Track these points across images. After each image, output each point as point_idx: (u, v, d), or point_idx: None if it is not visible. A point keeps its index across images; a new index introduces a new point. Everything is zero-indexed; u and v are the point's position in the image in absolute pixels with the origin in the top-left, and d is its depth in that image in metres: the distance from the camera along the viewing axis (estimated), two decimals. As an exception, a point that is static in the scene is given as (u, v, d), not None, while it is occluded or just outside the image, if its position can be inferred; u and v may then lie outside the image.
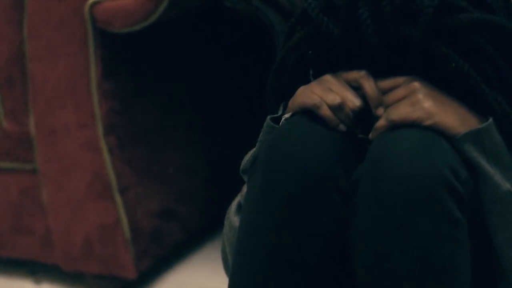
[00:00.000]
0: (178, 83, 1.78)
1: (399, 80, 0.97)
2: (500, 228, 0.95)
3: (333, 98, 0.97)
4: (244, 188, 1.05)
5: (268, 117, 1.04)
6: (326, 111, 0.97)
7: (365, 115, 0.99)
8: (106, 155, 1.60)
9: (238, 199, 1.09)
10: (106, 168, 1.60)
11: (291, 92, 1.03)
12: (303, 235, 0.95)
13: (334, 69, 1.01)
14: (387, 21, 0.95)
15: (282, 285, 0.96)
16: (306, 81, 1.04)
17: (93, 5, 1.53)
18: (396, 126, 0.95)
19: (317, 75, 1.02)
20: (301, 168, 0.95)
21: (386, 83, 0.98)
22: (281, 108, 1.06)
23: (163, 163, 1.73)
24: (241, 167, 1.05)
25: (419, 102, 0.95)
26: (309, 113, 0.99)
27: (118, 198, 1.61)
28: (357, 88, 0.99)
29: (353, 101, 0.98)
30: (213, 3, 1.58)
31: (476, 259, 0.95)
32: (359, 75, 0.98)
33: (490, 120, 0.96)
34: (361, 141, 1.00)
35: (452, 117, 0.95)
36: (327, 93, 0.98)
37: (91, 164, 1.61)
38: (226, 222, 1.11)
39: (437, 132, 0.94)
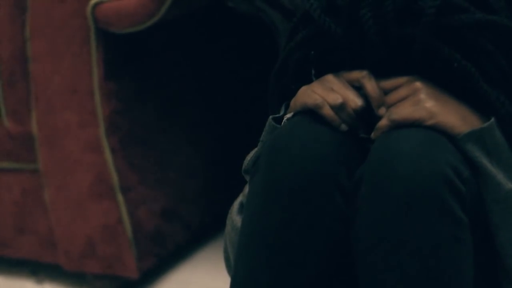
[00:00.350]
0: (181, 84, 1.78)
1: (401, 80, 0.98)
2: (502, 228, 0.96)
3: (335, 98, 0.97)
4: (246, 188, 1.05)
5: (270, 117, 1.04)
6: (328, 111, 0.97)
7: (367, 115, 0.99)
8: (108, 155, 1.60)
9: (240, 199, 1.10)
10: (108, 168, 1.60)
11: (293, 92, 1.03)
12: (305, 235, 0.95)
13: (336, 69, 1.01)
14: (389, 21, 0.96)
15: (284, 284, 0.96)
16: (308, 81, 1.04)
17: (95, 5, 1.53)
18: (398, 126, 0.95)
19: (319, 75, 1.03)
20: (303, 167, 0.95)
21: (388, 83, 0.98)
22: (283, 108, 1.06)
23: (165, 163, 1.73)
24: (243, 167, 1.06)
25: (421, 102, 0.95)
26: (311, 113, 0.99)
27: (120, 198, 1.62)
28: (359, 88, 0.99)
29: (355, 100, 0.98)
30: (216, 3, 1.58)
31: (478, 259, 0.95)
32: (361, 75, 0.98)
33: (492, 119, 0.96)
34: (363, 140, 1.00)
35: (454, 116, 0.95)
36: (329, 93, 0.98)
37: (93, 164, 1.61)
38: (228, 222, 1.11)
39: (439, 131, 0.94)
